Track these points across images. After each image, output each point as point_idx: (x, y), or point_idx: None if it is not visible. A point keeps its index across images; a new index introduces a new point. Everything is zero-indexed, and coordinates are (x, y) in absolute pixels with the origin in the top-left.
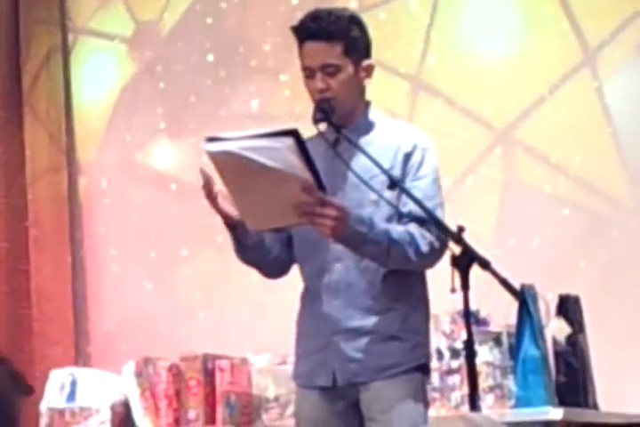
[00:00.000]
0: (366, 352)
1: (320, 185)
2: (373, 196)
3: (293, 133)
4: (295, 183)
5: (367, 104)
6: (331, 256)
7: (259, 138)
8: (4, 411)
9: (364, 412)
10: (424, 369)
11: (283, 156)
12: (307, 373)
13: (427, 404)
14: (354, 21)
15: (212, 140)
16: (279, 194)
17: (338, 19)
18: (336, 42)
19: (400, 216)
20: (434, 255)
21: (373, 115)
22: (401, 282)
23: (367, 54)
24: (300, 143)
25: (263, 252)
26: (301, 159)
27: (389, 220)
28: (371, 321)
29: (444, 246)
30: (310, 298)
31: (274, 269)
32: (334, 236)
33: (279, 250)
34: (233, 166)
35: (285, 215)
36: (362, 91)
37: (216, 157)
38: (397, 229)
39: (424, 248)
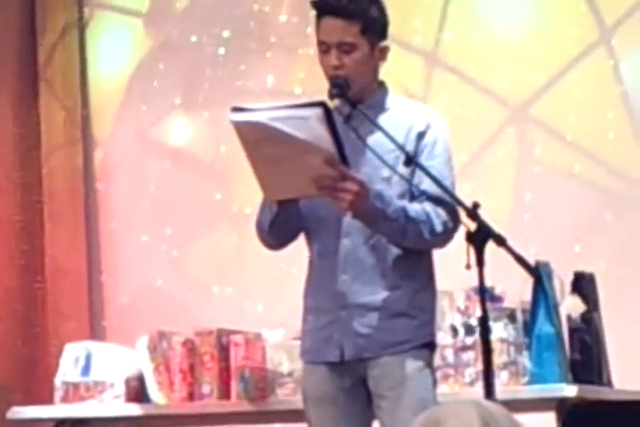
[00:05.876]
0: (374, 328)
1: (343, 159)
2: (385, 172)
3: (323, 105)
4: (318, 155)
5: (380, 84)
6: (339, 231)
7: (286, 108)
8: None
9: (372, 388)
10: (431, 346)
11: (310, 126)
12: (314, 348)
13: (435, 380)
14: (374, 1)
15: (237, 110)
16: (301, 165)
17: None
18: (355, 21)
19: (413, 195)
20: (447, 235)
21: (386, 94)
22: (410, 260)
23: (384, 35)
24: (329, 115)
25: (293, 232)
26: (328, 131)
27: (401, 198)
28: (379, 297)
29: (456, 226)
30: (318, 273)
31: (285, 244)
32: (353, 211)
33: (298, 227)
34: (257, 136)
35: (305, 187)
36: (375, 71)
37: (240, 127)
38: (414, 208)
39: (438, 228)
